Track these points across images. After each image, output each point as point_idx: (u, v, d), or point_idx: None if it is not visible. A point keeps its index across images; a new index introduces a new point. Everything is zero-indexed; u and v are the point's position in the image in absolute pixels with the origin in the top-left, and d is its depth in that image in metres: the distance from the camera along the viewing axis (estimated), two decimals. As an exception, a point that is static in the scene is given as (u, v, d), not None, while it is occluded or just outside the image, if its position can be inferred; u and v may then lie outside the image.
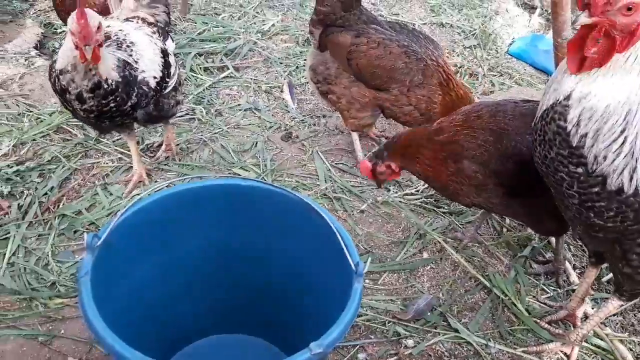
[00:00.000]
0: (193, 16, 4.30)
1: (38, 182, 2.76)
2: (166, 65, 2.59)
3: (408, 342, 2.17)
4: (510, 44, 4.39)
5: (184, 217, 1.80)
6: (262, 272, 1.94)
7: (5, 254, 2.38)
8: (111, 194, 2.74)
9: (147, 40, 2.55)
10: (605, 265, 2.15)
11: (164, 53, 2.61)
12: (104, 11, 3.09)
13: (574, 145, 1.56)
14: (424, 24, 4.55)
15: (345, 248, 1.56)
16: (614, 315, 2.31)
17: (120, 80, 2.32)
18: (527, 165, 1.88)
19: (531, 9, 4.92)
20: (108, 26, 2.43)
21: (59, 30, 4.02)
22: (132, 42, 2.46)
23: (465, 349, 2.18)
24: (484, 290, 2.42)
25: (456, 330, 2.22)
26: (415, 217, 2.73)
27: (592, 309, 2.29)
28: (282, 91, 3.62)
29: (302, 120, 3.39)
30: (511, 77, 3.97)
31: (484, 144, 2.10)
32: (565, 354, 2.15)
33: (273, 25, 4.31)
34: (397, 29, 2.91)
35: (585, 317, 2.24)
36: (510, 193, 2.13)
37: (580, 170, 1.58)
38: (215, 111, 3.38)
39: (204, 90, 3.53)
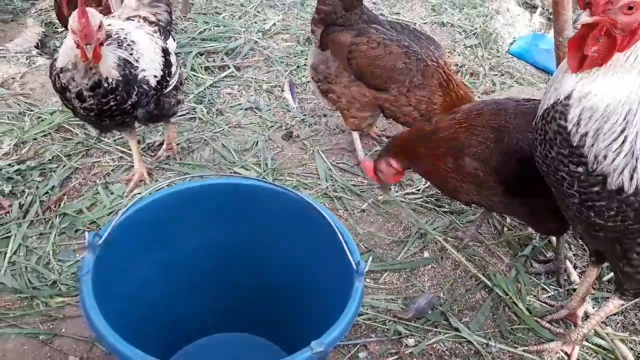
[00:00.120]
0: (194, 15, 4.30)
1: (39, 181, 2.76)
2: (167, 65, 2.59)
3: (409, 341, 2.17)
4: (511, 43, 4.38)
5: (184, 216, 1.80)
6: (263, 271, 1.94)
7: (6, 253, 2.38)
8: (112, 193, 2.74)
9: (148, 39, 2.55)
10: (606, 264, 2.15)
11: (165, 52, 2.61)
12: (106, 10, 3.09)
13: (574, 144, 1.56)
14: (425, 23, 4.54)
15: (346, 247, 1.56)
16: (614, 314, 2.31)
17: (120, 79, 2.32)
18: (528, 163, 1.88)
19: (532, 8, 4.91)
20: (109, 25, 2.43)
21: (60, 29, 4.02)
22: (133, 41, 2.46)
23: (466, 348, 2.18)
24: (484, 290, 2.42)
25: (457, 330, 2.22)
26: (416, 216, 2.73)
27: (593, 308, 2.29)
28: (283, 90, 3.62)
29: (303, 119, 3.39)
30: (512, 77, 3.96)
31: (485, 141, 2.10)
32: (566, 353, 2.15)
33: (274, 24, 4.31)
34: (398, 29, 2.91)
35: (586, 316, 2.24)
36: (511, 191, 2.13)
37: (580, 169, 1.58)
38: (216, 110, 3.38)
39: (204, 89, 3.54)
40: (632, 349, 2.20)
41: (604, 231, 1.72)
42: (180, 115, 3.24)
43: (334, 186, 2.89)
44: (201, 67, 3.73)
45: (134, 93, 2.40)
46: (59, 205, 2.66)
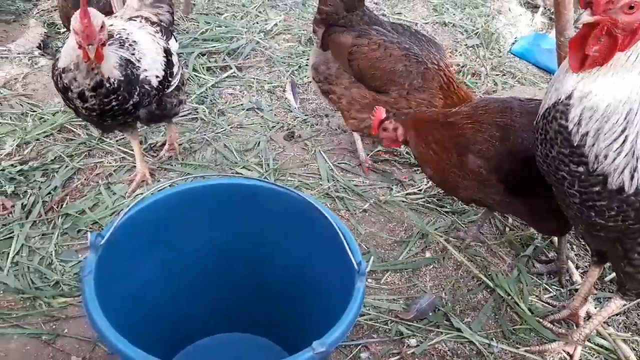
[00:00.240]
0: (196, 16, 4.30)
1: (41, 182, 2.77)
2: (169, 65, 2.59)
3: (411, 342, 2.17)
4: (513, 43, 4.38)
5: (186, 217, 1.81)
6: (265, 271, 1.94)
7: (9, 253, 2.39)
8: (114, 194, 2.74)
9: (149, 40, 2.55)
10: (608, 264, 2.14)
11: (167, 52, 2.61)
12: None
13: (575, 144, 1.56)
14: (427, 23, 4.54)
15: (347, 247, 1.56)
16: (617, 314, 2.31)
17: (122, 79, 2.32)
18: (531, 163, 1.87)
19: (534, 8, 4.90)
20: (111, 25, 2.43)
21: (62, 30, 4.03)
22: (134, 41, 2.46)
23: (467, 348, 2.18)
24: (486, 290, 2.42)
25: (459, 330, 2.22)
26: (418, 217, 2.73)
27: (595, 308, 2.29)
28: (284, 91, 3.63)
29: (304, 119, 3.40)
30: (514, 77, 3.96)
31: (491, 139, 2.10)
32: (568, 353, 2.15)
33: (275, 24, 4.31)
34: (400, 30, 2.90)
35: (588, 316, 2.24)
36: (512, 190, 2.13)
37: (581, 169, 1.58)
38: (218, 111, 3.38)
39: (206, 89, 3.54)
40: (634, 349, 2.20)
41: (605, 231, 1.72)
42: (182, 116, 3.24)
43: (336, 186, 2.89)
44: (203, 67, 3.73)
45: (136, 93, 2.41)
46: (62, 205, 2.66)
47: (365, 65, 2.80)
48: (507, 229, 2.72)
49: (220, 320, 2.02)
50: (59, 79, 2.30)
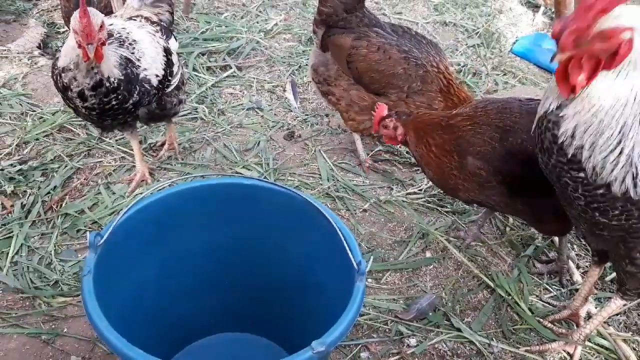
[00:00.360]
0: (196, 15, 4.30)
1: (41, 181, 2.77)
2: (169, 64, 2.59)
3: (410, 342, 2.17)
4: (514, 43, 4.37)
5: (186, 216, 1.80)
6: (265, 270, 1.94)
7: (8, 253, 2.39)
8: (114, 193, 2.74)
9: (149, 39, 2.55)
10: (608, 264, 2.14)
11: (167, 52, 2.61)
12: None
13: (569, 156, 1.56)
14: (427, 22, 4.54)
15: (347, 247, 1.56)
16: (617, 314, 2.30)
17: (122, 78, 2.32)
18: (531, 163, 1.87)
19: (535, 7, 4.90)
20: (111, 24, 2.43)
21: (62, 30, 4.03)
22: (134, 40, 2.46)
23: (467, 348, 2.17)
24: (486, 290, 2.41)
25: (459, 330, 2.21)
26: (418, 217, 2.73)
27: (596, 308, 2.29)
28: (284, 90, 3.62)
29: (304, 119, 3.39)
30: (515, 76, 3.95)
31: (491, 140, 2.09)
32: (568, 353, 2.15)
33: (276, 24, 4.31)
34: (400, 32, 2.89)
35: (589, 316, 2.23)
36: (513, 191, 2.12)
37: (582, 174, 1.58)
38: (218, 110, 3.38)
39: (206, 89, 3.54)
40: (634, 349, 2.19)
41: (608, 230, 1.72)
42: (182, 115, 3.24)
43: (336, 186, 2.89)
44: (203, 67, 3.73)
45: (136, 92, 2.40)
46: (61, 205, 2.66)
47: (364, 67, 2.79)
48: (508, 228, 2.72)
49: (220, 320, 2.01)
50: (58, 78, 2.30)
